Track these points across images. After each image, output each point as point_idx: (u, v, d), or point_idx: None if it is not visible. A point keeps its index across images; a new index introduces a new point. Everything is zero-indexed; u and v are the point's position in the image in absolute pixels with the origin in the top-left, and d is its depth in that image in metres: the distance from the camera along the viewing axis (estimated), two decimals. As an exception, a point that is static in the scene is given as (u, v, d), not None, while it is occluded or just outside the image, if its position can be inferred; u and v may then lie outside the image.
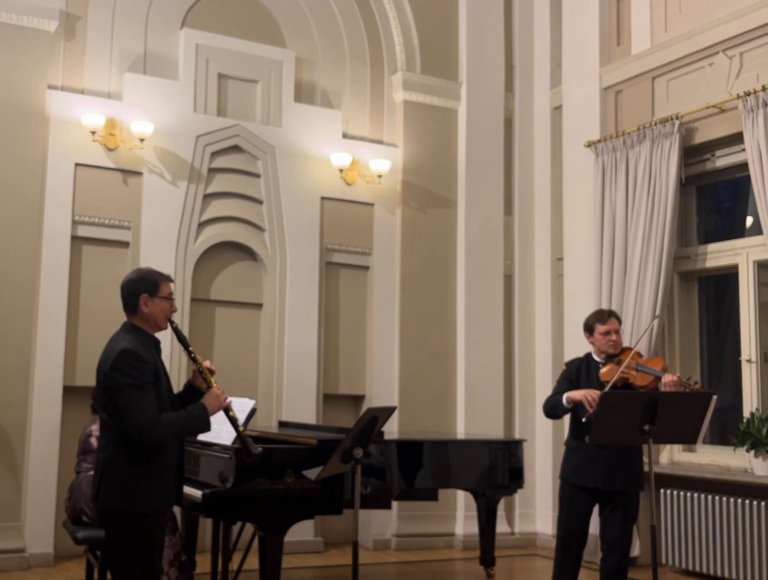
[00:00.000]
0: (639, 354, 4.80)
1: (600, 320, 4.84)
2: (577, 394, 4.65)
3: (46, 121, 6.55)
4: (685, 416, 4.27)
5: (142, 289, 3.49)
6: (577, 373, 4.88)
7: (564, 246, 7.58)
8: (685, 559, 6.25)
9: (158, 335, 3.58)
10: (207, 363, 3.62)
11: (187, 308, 6.84)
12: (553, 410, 4.83)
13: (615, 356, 4.80)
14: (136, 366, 3.33)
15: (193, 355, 3.57)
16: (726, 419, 6.64)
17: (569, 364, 5.04)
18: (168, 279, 3.58)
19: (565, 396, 4.72)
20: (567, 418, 5.00)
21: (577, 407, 4.74)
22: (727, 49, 6.42)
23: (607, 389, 4.54)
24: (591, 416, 4.40)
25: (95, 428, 4.81)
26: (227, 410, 3.54)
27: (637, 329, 6.57)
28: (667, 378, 4.58)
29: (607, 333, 4.80)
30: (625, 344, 6.48)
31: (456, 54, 8.07)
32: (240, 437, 3.61)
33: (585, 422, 4.52)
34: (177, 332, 3.57)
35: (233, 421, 3.56)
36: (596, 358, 4.89)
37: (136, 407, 3.28)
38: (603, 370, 4.75)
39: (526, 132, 8.14)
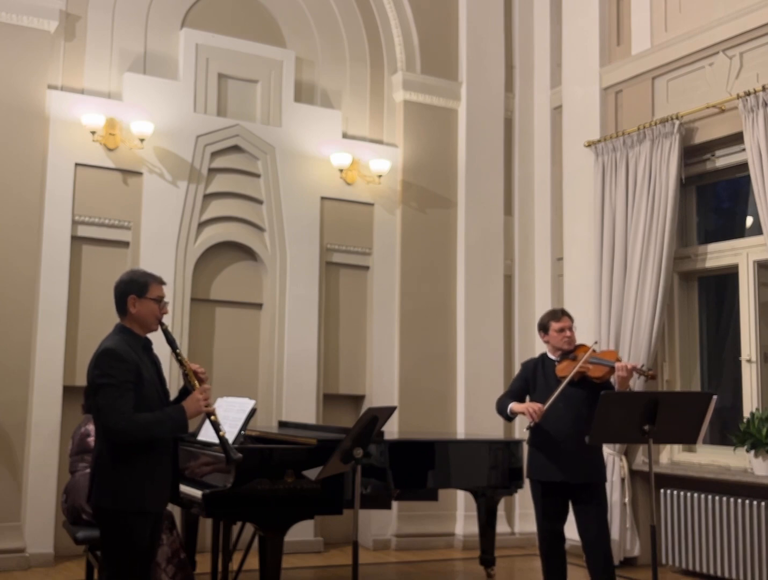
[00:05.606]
0: (593, 350, 4.90)
1: (554, 318, 5.02)
2: (519, 407, 4.87)
3: (46, 121, 6.54)
4: (685, 416, 4.27)
5: (130, 290, 3.51)
6: (534, 372, 5.03)
7: (564, 246, 7.58)
8: (685, 559, 6.25)
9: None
10: (194, 366, 3.61)
11: (187, 308, 6.84)
12: (501, 413, 5.03)
13: (570, 352, 4.93)
14: (114, 365, 3.35)
15: (179, 357, 3.57)
16: (726, 419, 6.64)
17: (525, 364, 5.19)
18: (159, 281, 3.57)
19: (509, 407, 4.91)
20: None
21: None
22: (727, 49, 6.41)
23: (564, 383, 4.71)
24: (531, 425, 4.72)
25: (92, 428, 4.76)
26: (209, 414, 3.53)
27: (637, 329, 6.57)
28: (619, 365, 4.73)
29: (561, 330, 4.97)
30: (625, 342, 6.51)
31: (456, 54, 8.07)
32: (221, 441, 3.58)
33: (528, 429, 4.79)
34: (166, 333, 3.56)
35: (215, 425, 3.55)
36: (551, 356, 5.02)
37: (110, 406, 3.31)
38: (560, 366, 4.89)
39: (526, 132, 8.14)
